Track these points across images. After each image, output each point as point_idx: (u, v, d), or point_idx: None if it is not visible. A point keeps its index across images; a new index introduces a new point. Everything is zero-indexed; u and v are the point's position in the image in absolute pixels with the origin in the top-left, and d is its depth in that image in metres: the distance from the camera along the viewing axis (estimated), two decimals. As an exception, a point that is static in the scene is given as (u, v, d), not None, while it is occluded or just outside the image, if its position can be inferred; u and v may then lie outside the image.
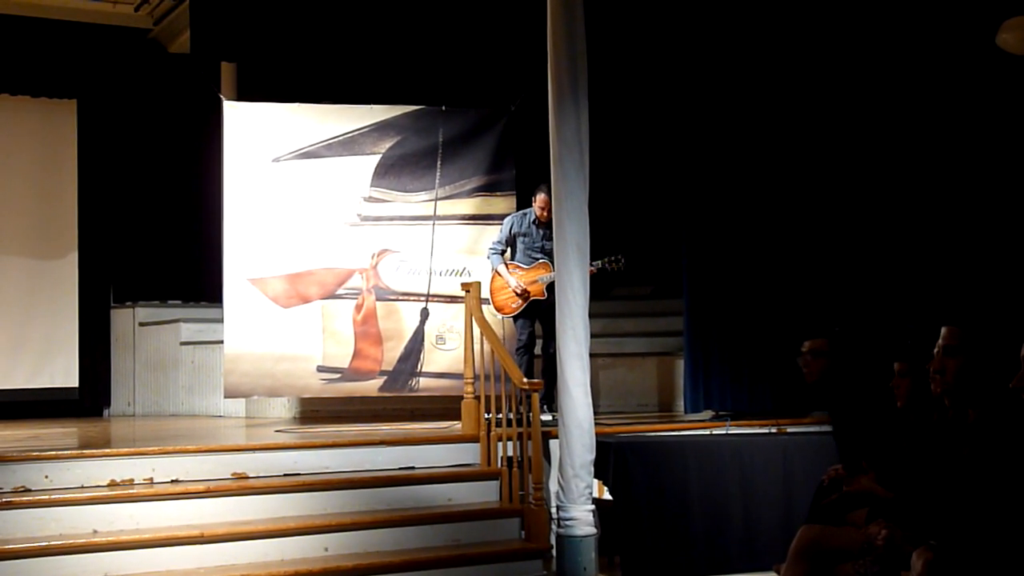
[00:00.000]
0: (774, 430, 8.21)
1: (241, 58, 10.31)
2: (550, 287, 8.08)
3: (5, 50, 11.09)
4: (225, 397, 9.54)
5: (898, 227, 8.56)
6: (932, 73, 8.40)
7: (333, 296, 9.36)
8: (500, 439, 7.43)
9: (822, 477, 6.09)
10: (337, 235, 9.36)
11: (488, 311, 8.73)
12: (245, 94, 10.49)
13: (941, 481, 3.73)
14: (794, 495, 7.22)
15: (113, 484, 6.62)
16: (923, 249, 8.43)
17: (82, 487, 6.57)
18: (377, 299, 9.41)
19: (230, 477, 6.89)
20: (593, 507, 7.08)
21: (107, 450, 6.98)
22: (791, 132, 8.86)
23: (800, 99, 8.81)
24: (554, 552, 7.03)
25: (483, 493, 7.31)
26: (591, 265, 7.48)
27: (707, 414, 8.94)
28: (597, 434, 7.17)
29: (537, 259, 8.71)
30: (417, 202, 9.53)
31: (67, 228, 11.72)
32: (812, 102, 8.77)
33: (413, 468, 7.39)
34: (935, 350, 3.82)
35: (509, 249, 8.90)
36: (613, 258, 8.56)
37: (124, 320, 11.93)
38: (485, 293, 8.54)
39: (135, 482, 6.67)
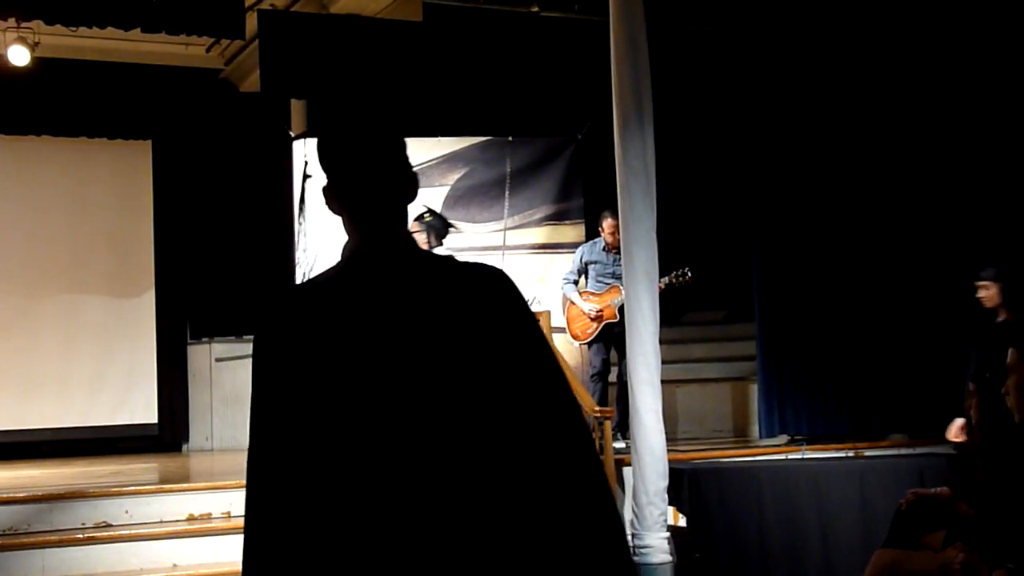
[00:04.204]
0: (851, 454, 8.11)
1: (310, 95, 10.45)
2: (622, 310, 8.08)
3: (83, 95, 11.34)
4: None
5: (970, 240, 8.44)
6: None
7: (405, 328, 9.39)
8: (573, 467, 7.40)
9: (900, 501, 6.01)
10: (408, 267, 9.40)
11: (564, 339, 8.74)
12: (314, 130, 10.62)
13: (1018, 502, 3.67)
14: (872, 520, 7.11)
15: (192, 518, 6.71)
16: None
17: (161, 521, 6.67)
18: (449, 329, 9.42)
19: (306, 510, 6.93)
20: (668, 534, 7.03)
21: (185, 485, 7.08)
22: (859, 149, 8.79)
23: (870, 116, 8.74)
24: (630, 580, 6.98)
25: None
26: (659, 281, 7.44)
27: (782, 439, 8.86)
28: (671, 461, 7.13)
29: (609, 284, 8.72)
30: (486, 232, 9.57)
31: (144, 266, 11.93)
32: (883, 119, 8.70)
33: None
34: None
35: (582, 278, 8.94)
36: (679, 273, 8.52)
37: (201, 356, 12.10)
38: (556, 322, 8.56)
39: (213, 516, 6.76)
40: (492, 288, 2.07)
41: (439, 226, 7.67)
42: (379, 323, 2.01)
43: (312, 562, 1.99)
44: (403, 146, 2.16)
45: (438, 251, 6.40)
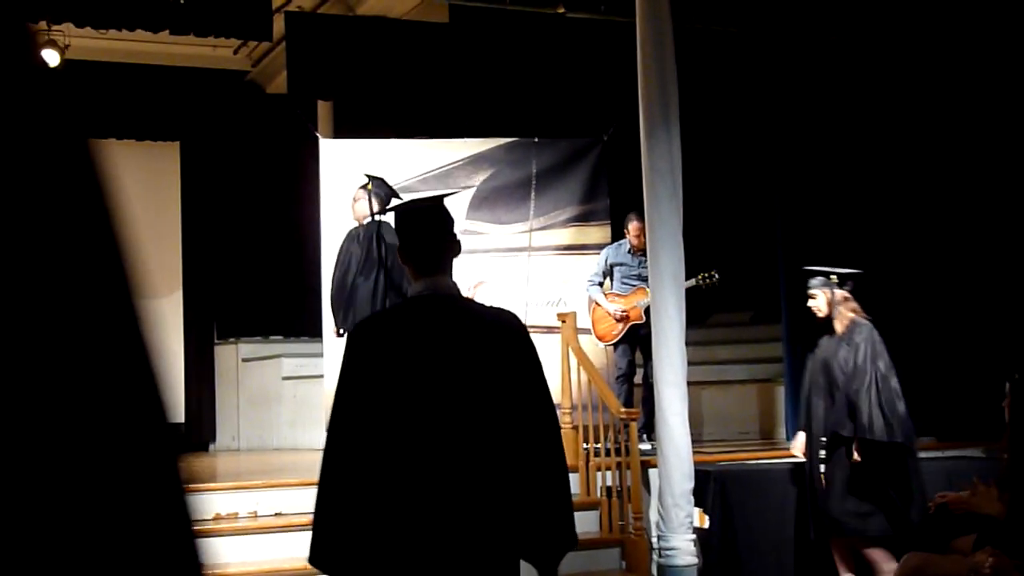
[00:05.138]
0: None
1: (336, 96, 10.49)
2: (647, 311, 8.06)
3: (112, 97, 11.41)
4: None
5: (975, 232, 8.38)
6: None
7: (431, 328, 9.39)
8: (599, 469, 7.41)
9: (929, 504, 5.98)
10: (433, 268, 9.40)
11: (589, 341, 8.73)
12: (341, 131, 10.66)
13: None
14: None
15: (218, 518, 6.74)
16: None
17: (188, 521, 6.69)
18: (474, 331, 9.42)
19: (332, 510, 6.95)
20: (694, 536, 7.01)
21: (212, 484, 7.11)
22: (886, 148, 8.74)
23: (900, 114, 8.69)
24: (655, 582, 6.98)
25: (583, 523, 7.25)
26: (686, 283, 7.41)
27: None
28: (697, 463, 7.11)
29: (634, 286, 8.71)
30: (512, 233, 9.57)
31: (172, 267, 12.00)
32: (913, 117, 8.65)
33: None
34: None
35: (607, 280, 8.93)
36: (707, 275, 8.51)
37: (227, 356, 12.15)
38: (581, 323, 8.54)
39: (240, 516, 6.78)
40: (508, 330, 3.13)
41: (382, 194, 7.73)
42: (425, 348, 3.03)
43: (366, 522, 2.96)
44: (452, 226, 3.19)
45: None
